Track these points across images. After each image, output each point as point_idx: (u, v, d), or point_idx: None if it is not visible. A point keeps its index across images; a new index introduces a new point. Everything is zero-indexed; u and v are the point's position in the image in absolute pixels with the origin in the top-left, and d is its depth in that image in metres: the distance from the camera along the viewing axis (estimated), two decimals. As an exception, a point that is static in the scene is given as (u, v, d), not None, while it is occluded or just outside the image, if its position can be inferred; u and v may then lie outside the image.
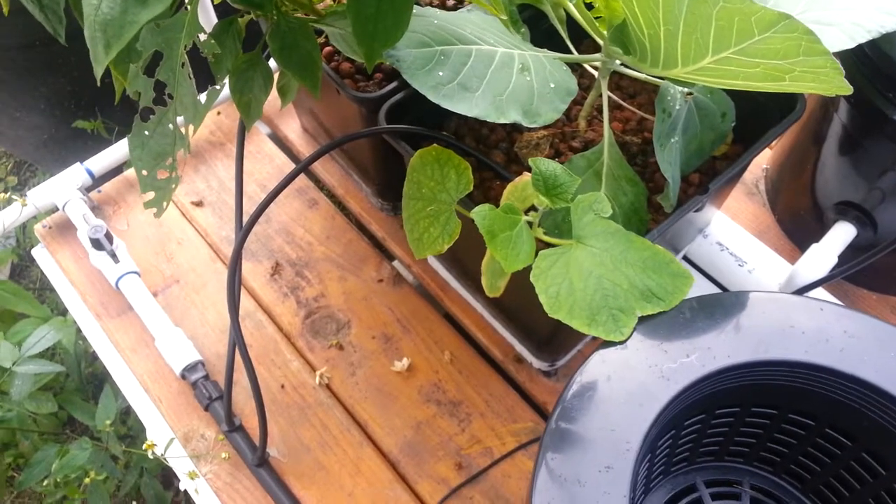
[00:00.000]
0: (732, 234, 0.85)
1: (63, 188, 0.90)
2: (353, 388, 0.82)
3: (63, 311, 1.32)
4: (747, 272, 0.83)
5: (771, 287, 0.81)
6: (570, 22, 0.70)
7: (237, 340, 0.69)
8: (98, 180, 0.96)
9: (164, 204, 0.47)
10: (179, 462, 0.79)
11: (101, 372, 1.30)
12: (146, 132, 0.43)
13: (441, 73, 0.57)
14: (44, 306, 1.10)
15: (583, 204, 0.53)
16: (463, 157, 0.61)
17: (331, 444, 0.78)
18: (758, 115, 0.71)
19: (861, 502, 0.54)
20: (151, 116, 0.43)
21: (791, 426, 0.55)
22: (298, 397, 0.81)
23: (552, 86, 0.60)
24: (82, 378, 1.22)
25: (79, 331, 1.14)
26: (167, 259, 0.92)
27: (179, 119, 0.44)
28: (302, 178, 0.99)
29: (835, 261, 0.77)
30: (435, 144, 0.61)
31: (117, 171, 0.99)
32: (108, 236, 0.85)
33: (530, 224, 0.54)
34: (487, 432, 0.79)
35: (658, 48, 0.55)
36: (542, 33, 0.73)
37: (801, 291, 0.72)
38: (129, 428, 1.23)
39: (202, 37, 0.47)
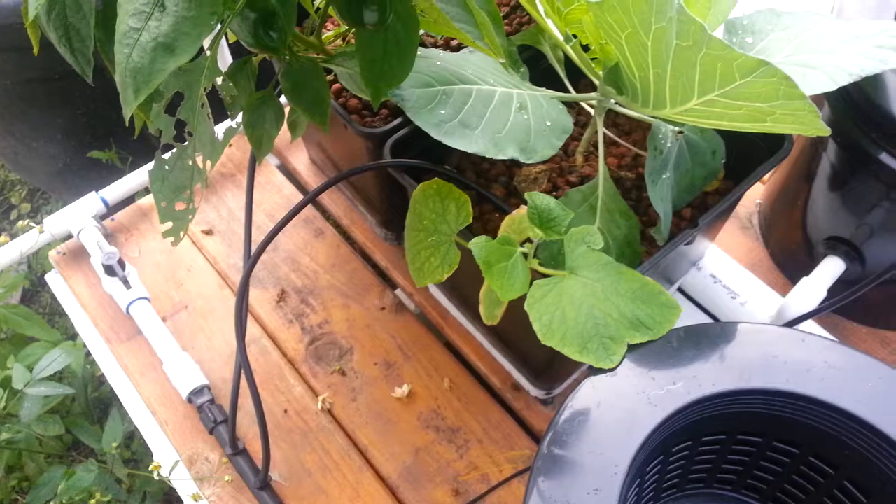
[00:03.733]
0: (725, 266, 0.88)
1: (78, 216, 0.94)
2: (355, 414, 0.84)
3: (73, 336, 1.35)
4: (739, 304, 0.85)
5: (762, 319, 0.83)
6: (568, 62, 0.73)
7: (243, 366, 0.71)
8: (112, 209, 0.99)
9: (182, 234, 0.50)
10: (183, 484, 0.80)
11: (107, 396, 1.32)
12: (167, 167, 0.46)
13: (443, 112, 0.60)
14: (54, 330, 1.12)
15: (576, 236, 0.56)
16: (464, 191, 0.64)
17: (331, 468, 0.80)
18: (748, 153, 0.74)
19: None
20: (171, 152, 0.46)
21: (776, 454, 0.57)
22: (301, 422, 0.83)
23: (548, 124, 0.64)
24: (89, 402, 1.24)
25: (88, 355, 1.16)
26: (177, 285, 0.94)
27: (197, 155, 0.47)
28: (309, 209, 1.02)
29: (824, 294, 0.79)
30: (436, 178, 0.64)
31: (130, 199, 1.03)
32: (121, 263, 0.88)
33: (525, 255, 0.57)
34: (485, 459, 0.80)
35: (648, 89, 0.58)
36: (541, 72, 0.77)
37: (792, 324, 0.74)
38: (134, 452, 1.25)
39: (218, 79, 0.50)
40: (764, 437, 0.56)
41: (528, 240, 0.60)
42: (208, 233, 0.99)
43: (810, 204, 0.85)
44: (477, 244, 0.53)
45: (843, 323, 0.89)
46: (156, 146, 1.28)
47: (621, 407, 0.51)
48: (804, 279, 0.80)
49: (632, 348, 0.53)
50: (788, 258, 0.91)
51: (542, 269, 0.57)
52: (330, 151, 0.97)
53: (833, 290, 0.80)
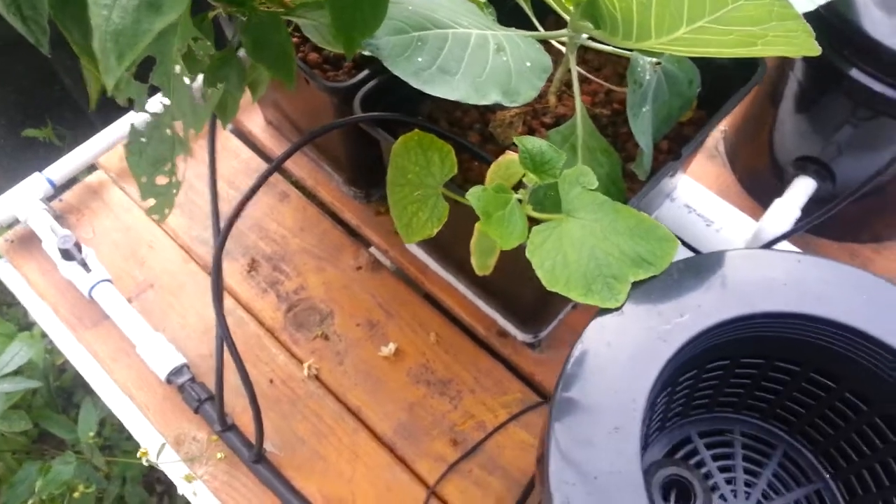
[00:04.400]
0: (698, 195, 0.88)
1: (24, 200, 0.88)
2: (343, 377, 0.82)
3: (26, 326, 1.28)
4: (715, 231, 0.86)
5: (738, 244, 0.84)
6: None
7: (225, 339, 0.68)
8: (58, 189, 0.93)
9: (167, 210, 0.47)
10: (173, 467, 0.78)
11: (70, 384, 1.27)
12: (143, 139, 0.42)
13: (420, 59, 0.57)
14: (8, 323, 1.07)
15: (569, 178, 0.54)
16: (435, 135, 0.62)
17: (326, 433, 0.79)
18: (719, 79, 0.73)
19: (845, 438, 0.58)
20: (147, 122, 0.42)
21: (777, 373, 0.58)
22: (288, 391, 0.81)
23: (528, 64, 0.61)
24: (52, 392, 1.19)
25: (47, 344, 1.11)
26: (139, 264, 0.90)
27: (176, 122, 0.44)
28: (269, 172, 0.98)
29: (798, 214, 0.80)
30: (416, 130, 0.61)
31: (75, 178, 0.96)
32: (77, 246, 0.83)
33: (520, 201, 0.55)
34: (479, 407, 0.80)
35: (631, 21, 0.57)
36: (507, 13, 0.74)
37: (768, 246, 0.76)
38: (106, 438, 1.21)
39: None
40: (766, 358, 0.57)
41: (518, 185, 0.59)
42: (165, 206, 0.94)
43: (777, 126, 0.86)
44: (475, 194, 0.51)
45: (812, 240, 0.91)
46: (93, 120, 1.20)
47: (631, 344, 0.51)
48: (777, 201, 0.81)
49: (635, 285, 0.53)
50: (756, 182, 0.93)
51: (536, 215, 0.56)
52: (288, 110, 0.92)
53: (805, 210, 0.81)
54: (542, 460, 0.49)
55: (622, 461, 0.46)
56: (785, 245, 0.83)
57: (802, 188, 0.81)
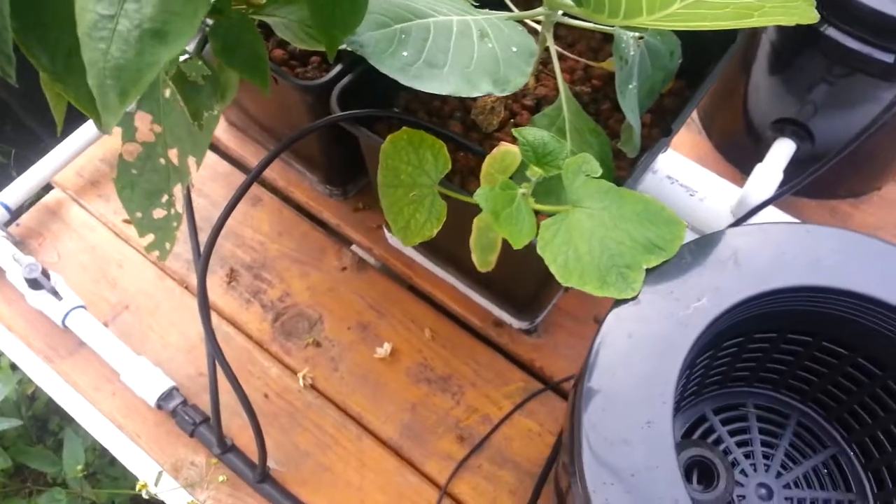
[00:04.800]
0: (679, 166, 0.88)
1: (-22, 229, 0.82)
2: (340, 384, 0.80)
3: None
4: (699, 201, 0.85)
5: (723, 211, 0.84)
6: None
7: (217, 358, 0.65)
8: (14, 213, 0.88)
9: (168, 245, 0.43)
10: (174, 494, 0.75)
11: (43, 411, 1.21)
12: (133, 170, 0.39)
13: (406, 53, 0.54)
14: (-29, 357, 1.01)
15: (572, 167, 0.53)
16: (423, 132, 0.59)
17: (329, 443, 0.77)
18: (696, 47, 0.72)
19: (858, 402, 0.58)
20: (138, 153, 0.39)
21: (789, 345, 0.58)
22: (285, 403, 0.79)
23: (514, 49, 0.59)
24: (25, 423, 1.13)
25: (15, 370, 1.05)
26: (110, 285, 0.86)
27: (171, 150, 0.40)
28: (238, 176, 0.94)
29: (780, 177, 0.80)
30: (405, 128, 0.59)
31: (34, 199, 0.91)
32: (45, 273, 0.78)
33: (524, 195, 0.53)
34: (482, 400, 0.79)
35: (618, -2, 0.55)
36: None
37: (754, 211, 0.75)
38: (89, 464, 1.16)
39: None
40: (779, 332, 0.57)
41: (514, 177, 0.57)
42: (130, 221, 0.90)
43: (751, 89, 0.86)
44: (482, 196, 0.49)
45: (792, 200, 0.91)
46: (41, 137, 1.13)
47: (652, 333, 0.50)
48: (759, 165, 0.81)
49: (648, 272, 0.52)
50: (734, 147, 0.93)
51: (542, 208, 0.54)
52: (252, 111, 0.88)
53: (786, 172, 0.81)
54: (573, 458, 0.48)
55: (658, 456, 0.45)
56: (771, 210, 0.83)
57: (783, 150, 0.82)
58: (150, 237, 0.43)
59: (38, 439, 1.20)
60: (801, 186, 0.66)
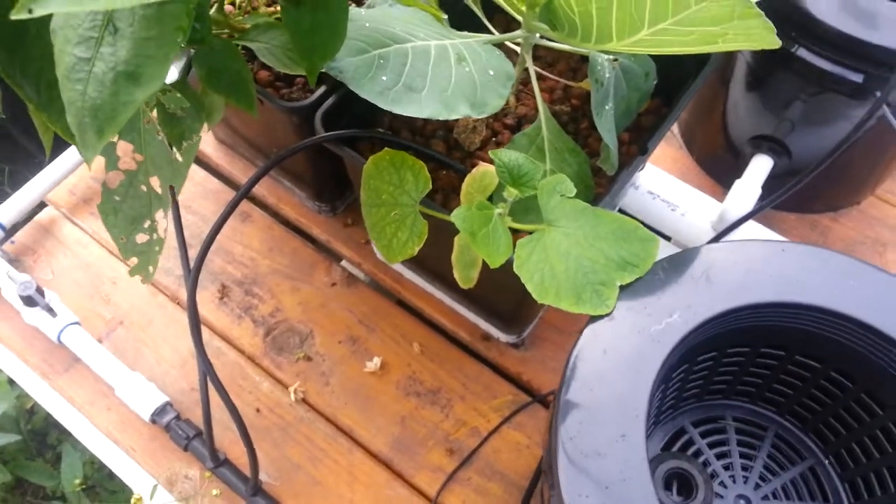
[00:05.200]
0: (660, 181, 0.89)
1: (-25, 248, 0.84)
2: (331, 397, 0.81)
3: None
4: (680, 216, 0.87)
5: (704, 226, 0.86)
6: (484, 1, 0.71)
7: (208, 374, 0.67)
8: (8, 231, 0.89)
9: (151, 269, 0.45)
10: (167, 507, 0.76)
11: (42, 426, 1.23)
12: (116, 197, 0.41)
13: (384, 78, 0.56)
14: (-32, 373, 1.02)
15: (547, 187, 0.55)
16: (405, 152, 0.61)
17: (320, 457, 0.78)
18: (671, 67, 0.74)
19: (833, 414, 0.60)
20: (120, 180, 0.40)
21: (764, 359, 0.59)
22: (277, 417, 0.80)
23: (491, 73, 0.61)
24: (24, 437, 1.15)
25: (13, 387, 1.07)
26: (104, 302, 0.87)
27: (152, 178, 0.42)
28: (227, 193, 0.96)
29: (759, 192, 0.82)
30: (387, 148, 0.61)
31: (28, 216, 0.93)
32: (40, 290, 0.80)
33: (500, 215, 0.55)
34: (471, 413, 0.80)
35: (590, 24, 0.57)
36: (456, 15, 0.73)
37: (734, 226, 0.77)
38: (87, 477, 1.18)
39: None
40: (752, 346, 0.58)
41: (492, 197, 0.58)
42: (125, 239, 0.91)
43: (730, 107, 0.87)
44: (459, 216, 0.51)
45: (773, 214, 0.93)
46: (35, 154, 1.15)
47: (626, 349, 0.51)
48: (738, 181, 0.83)
49: (623, 288, 0.54)
50: (715, 162, 0.94)
51: (518, 226, 0.56)
52: (240, 129, 0.90)
53: (765, 186, 0.83)
54: (551, 471, 0.49)
55: (631, 469, 0.47)
56: (750, 224, 0.85)
57: (760, 166, 0.83)
58: (133, 260, 0.44)
59: (37, 453, 1.21)
60: (781, 201, 0.68)
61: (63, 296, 0.86)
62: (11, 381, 0.96)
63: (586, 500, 0.46)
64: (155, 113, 0.56)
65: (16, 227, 0.92)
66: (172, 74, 0.87)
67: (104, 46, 0.27)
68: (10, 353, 0.84)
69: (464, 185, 0.60)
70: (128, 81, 0.27)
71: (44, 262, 0.90)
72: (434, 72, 0.59)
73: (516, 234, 0.56)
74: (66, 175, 0.94)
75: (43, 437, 1.22)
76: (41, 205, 0.95)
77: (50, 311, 0.80)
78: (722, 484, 0.60)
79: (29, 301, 0.79)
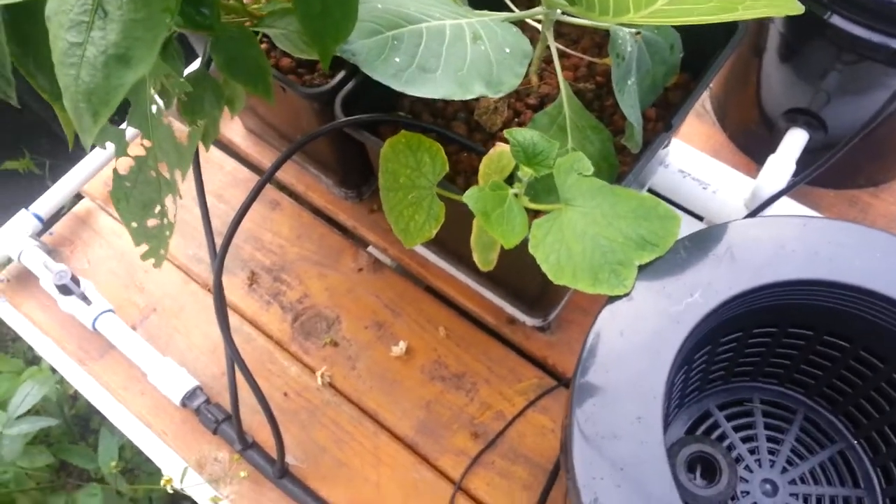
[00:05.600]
0: (691, 159, 0.87)
1: (14, 238, 0.87)
2: (357, 381, 0.82)
3: (32, 360, 1.28)
4: (712, 193, 0.85)
5: (737, 204, 0.83)
6: (503, -24, 0.70)
7: (235, 359, 0.68)
8: (46, 223, 0.92)
9: (162, 252, 0.46)
10: (198, 489, 0.78)
11: (85, 411, 1.27)
12: (127, 183, 0.41)
13: (398, 59, 0.56)
14: (14, 359, 1.06)
15: (564, 166, 0.54)
16: (424, 135, 0.61)
17: (346, 440, 0.79)
18: (699, 39, 0.71)
19: (864, 396, 0.58)
20: (130, 166, 0.41)
21: (791, 339, 0.58)
22: (304, 401, 0.81)
23: (507, 51, 0.60)
24: (67, 422, 1.19)
25: (53, 372, 1.10)
26: (138, 290, 0.89)
27: (161, 164, 0.43)
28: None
29: (793, 168, 0.79)
30: (403, 131, 0.60)
31: (65, 208, 0.95)
32: (75, 279, 0.82)
33: (516, 195, 0.54)
34: (496, 397, 0.80)
35: (607, -3, 0.55)
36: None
37: (768, 203, 0.75)
38: (127, 461, 1.21)
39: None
40: (779, 326, 0.57)
41: (512, 177, 0.58)
42: (157, 227, 0.93)
43: (763, 79, 0.85)
44: (471, 196, 0.50)
45: (810, 190, 0.90)
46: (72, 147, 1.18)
47: (644, 329, 0.50)
48: (772, 157, 0.80)
49: (642, 268, 0.53)
50: (749, 138, 0.92)
51: (535, 206, 0.55)
52: (268, 118, 0.91)
53: (800, 161, 0.80)
54: (566, 453, 0.49)
55: (647, 451, 0.46)
56: (785, 200, 0.82)
57: (795, 141, 0.80)
58: (144, 246, 0.45)
59: (80, 437, 1.25)
60: (819, 176, 0.65)
61: (98, 284, 0.88)
62: (53, 368, 1.00)
63: (601, 482, 0.45)
64: (176, 101, 0.57)
65: (53, 219, 0.95)
66: (195, 64, 0.88)
67: (95, 30, 0.28)
68: (49, 341, 0.87)
69: (481, 167, 0.60)
70: (119, 64, 0.28)
71: (80, 253, 0.92)
72: (449, 51, 0.58)
73: (535, 214, 0.56)
74: (101, 167, 0.96)
75: (86, 421, 1.26)
76: (77, 196, 0.97)
77: (85, 299, 0.83)
78: (747, 468, 0.59)
79: (64, 290, 0.81)
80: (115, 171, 0.42)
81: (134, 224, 0.43)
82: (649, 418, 0.47)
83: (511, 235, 0.52)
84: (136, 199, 0.42)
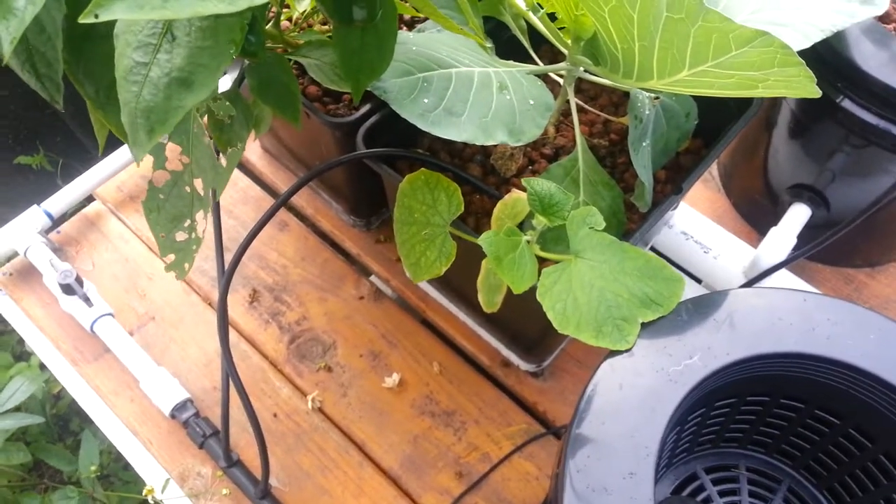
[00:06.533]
0: (695, 222, 0.89)
1: (22, 233, 0.87)
2: (347, 409, 0.82)
3: (20, 355, 1.27)
4: (713, 258, 0.87)
5: (736, 272, 0.85)
6: (531, 30, 0.72)
7: (231, 375, 0.68)
8: (56, 221, 0.93)
9: (187, 266, 0.47)
10: (178, 503, 0.78)
11: (66, 412, 1.26)
12: (161, 195, 0.43)
13: (426, 101, 0.58)
14: (3, 353, 1.06)
15: (577, 218, 0.55)
16: (441, 174, 0.62)
17: (330, 467, 0.79)
18: (714, 110, 0.74)
19: (849, 473, 0.59)
20: (166, 180, 0.42)
21: (782, 410, 0.59)
22: (293, 424, 0.81)
23: (531, 102, 0.62)
24: (48, 421, 1.18)
25: (44, 371, 1.10)
26: (139, 297, 0.90)
27: (196, 180, 0.44)
28: (268, 201, 0.98)
29: (794, 242, 0.81)
30: (423, 169, 0.62)
31: (76, 209, 0.96)
32: (78, 280, 0.83)
33: (528, 242, 0.56)
34: (483, 438, 0.80)
35: (632, 62, 0.57)
36: (503, 43, 0.75)
37: (767, 273, 0.76)
38: (104, 467, 1.20)
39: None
40: (771, 396, 0.58)
41: (523, 224, 0.59)
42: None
43: (771, 153, 0.87)
44: (487, 239, 0.52)
45: (807, 265, 0.92)
46: (89, 149, 1.20)
47: (643, 386, 0.51)
48: (773, 229, 0.82)
49: (644, 326, 0.54)
50: (752, 207, 0.94)
51: (545, 255, 0.56)
52: (286, 140, 0.93)
53: (800, 235, 0.82)
54: (556, 502, 0.49)
55: (637, 506, 0.46)
56: (783, 273, 0.84)
57: (798, 216, 0.83)
58: (171, 257, 0.46)
59: (58, 438, 1.24)
60: (817, 252, 0.67)
61: (100, 287, 0.89)
62: (42, 366, 0.99)
63: (589, 534, 0.46)
64: (206, 119, 0.59)
65: (63, 218, 0.96)
66: (226, 83, 0.90)
67: (161, 53, 0.29)
68: (44, 338, 0.87)
69: (495, 211, 0.61)
70: (180, 87, 0.29)
71: (86, 254, 0.93)
72: (475, 98, 0.60)
73: (543, 262, 0.57)
74: (115, 172, 0.98)
75: (66, 422, 1.25)
76: (89, 198, 0.98)
77: (86, 300, 0.83)
78: (731, 533, 0.60)
79: (67, 289, 0.82)
80: (150, 182, 0.43)
81: (162, 235, 0.44)
82: (641, 475, 0.48)
83: (521, 281, 0.53)
84: (168, 211, 0.43)
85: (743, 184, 0.94)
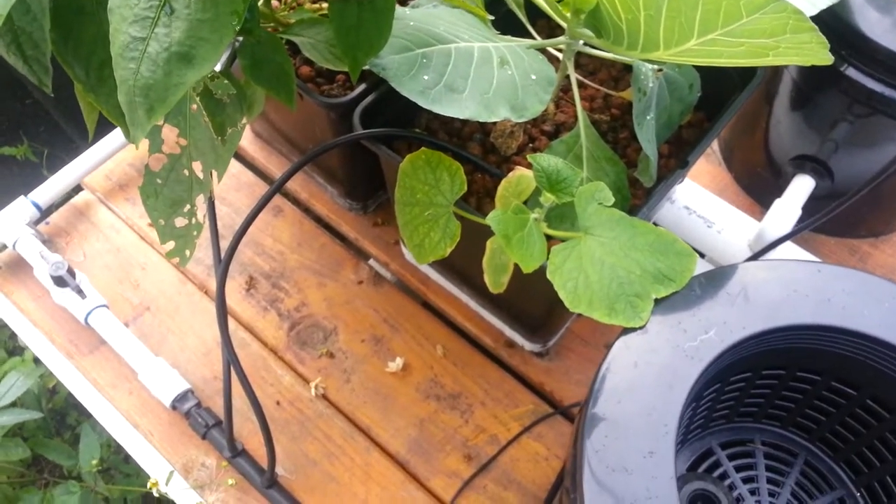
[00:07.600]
0: (697, 197, 0.88)
1: (10, 225, 0.85)
2: (351, 395, 0.81)
3: (13, 350, 1.25)
4: (716, 233, 0.86)
5: (741, 245, 0.84)
6: (526, 3, 0.70)
7: (232, 364, 0.67)
8: (44, 212, 0.90)
9: (188, 252, 0.45)
10: (183, 494, 0.76)
11: (63, 406, 1.24)
12: (158, 180, 0.41)
13: (426, 77, 0.56)
14: (-4, 349, 1.04)
15: (586, 195, 0.54)
16: (441, 153, 0.61)
17: (337, 454, 0.78)
18: (716, 81, 0.72)
19: (866, 444, 0.58)
20: (163, 164, 0.41)
21: (797, 383, 0.58)
22: (296, 411, 0.80)
23: (533, 77, 0.60)
24: (45, 415, 1.16)
25: (38, 365, 1.08)
26: (133, 287, 0.88)
27: (195, 162, 0.42)
28: (262, 186, 0.96)
29: (799, 213, 0.80)
30: (424, 148, 0.60)
31: (64, 199, 0.94)
32: (71, 271, 0.81)
33: (536, 220, 0.54)
34: (490, 420, 0.79)
35: (637, 32, 0.56)
36: (499, 19, 0.73)
37: (772, 246, 0.75)
38: (104, 460, 1.18)
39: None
40: (787, 369, 0.57)
41: (528, 200, 0.58)
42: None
43: (773, 124, 0.86)
44: (494, 218, 0.50)
45: (811, 237, 0.91)
46: (73, 138, 1.17)
47: (658, 363, 0.50)
48: (777, 201, 0.81)
49: (657, 302, 0.53)
50: (754, 180, 0.93)
51: (553, 233, 0.55)
52: (278, 123, 0.91)
53: (805, 207, 0.81)
54: (574, 485, 0.48)
55: (658, 487, 0.46)
56: (788, 245, 0.83)
57: (802, 187, 0.81)
58: (171, 244, 0.44)
59: (56, 432, 1.23)
60: (821, 223, 0.66)
61: (93, 278, 0.87)
62: (37, 360, 0.98)
63: (610, 515, 0.45)
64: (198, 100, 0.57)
65: (51, 209, 0.94)
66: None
67: (159, 27, 0.27)
68: (38, 332, 0.85)
69: (499, 189, 0.60)
70: (181, 62, 0.27)
71: (76, 245, 0.91)
72: (476, 73, 0.58)
73: (551, 240, 0.56)
74: (103, 160, 0.95)
75: (63, 417, 1.23)
76: (77, 188, 0.96)
77: (79, 292, 0.81)
78: (748, 509, 0.59)
79: (60, 281, 0.80)
80: (147, 167, 0.41)
81: (161, 221, 0.42)
82: (661, 453, 0.47)
83: (531, 259, 0.52)
84: (167, 196, 0.41)
85: (744, 156, 0.93)
